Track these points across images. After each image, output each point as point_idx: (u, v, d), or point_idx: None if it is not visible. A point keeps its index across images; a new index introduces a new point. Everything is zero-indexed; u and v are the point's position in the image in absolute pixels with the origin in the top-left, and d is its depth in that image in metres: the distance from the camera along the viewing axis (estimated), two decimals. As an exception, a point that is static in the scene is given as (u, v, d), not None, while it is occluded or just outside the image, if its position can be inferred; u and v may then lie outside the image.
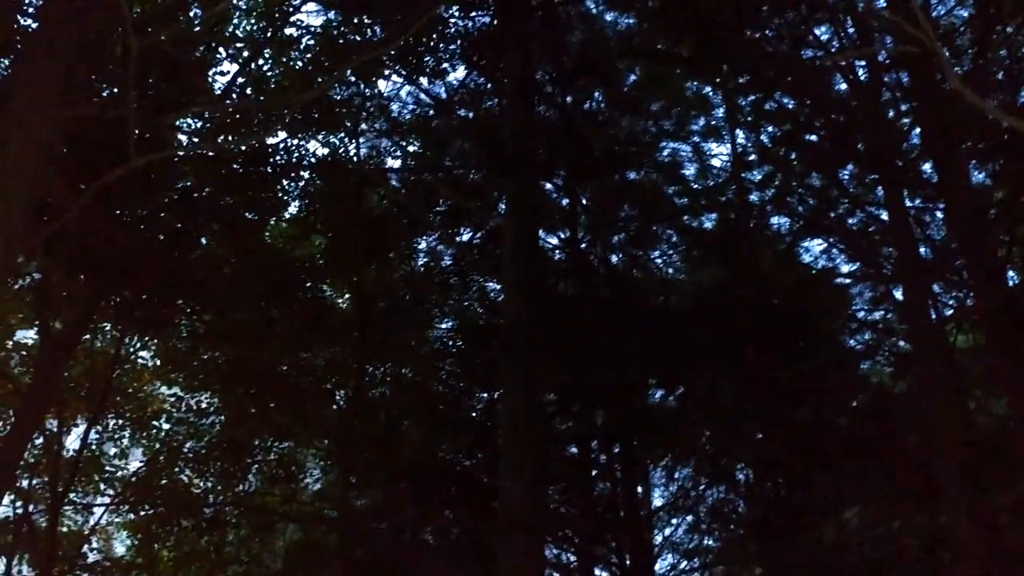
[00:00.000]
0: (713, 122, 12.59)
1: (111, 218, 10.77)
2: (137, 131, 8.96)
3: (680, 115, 12.73)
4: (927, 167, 10.56)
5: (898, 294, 11.11)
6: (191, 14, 10.71)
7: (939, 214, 10.77)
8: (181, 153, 11.18)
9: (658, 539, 13.05)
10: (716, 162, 12.74)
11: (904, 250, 9.88)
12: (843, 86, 10.75)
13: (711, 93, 12.49)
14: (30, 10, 9.19)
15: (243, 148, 11.77)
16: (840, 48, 10.39)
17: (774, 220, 12.21)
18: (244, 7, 11.35)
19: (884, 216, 10.64)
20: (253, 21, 11.40)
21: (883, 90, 10.48)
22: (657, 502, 13.44)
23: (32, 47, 6.43)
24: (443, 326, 13.53)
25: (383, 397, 13.23)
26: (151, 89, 10.20)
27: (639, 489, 12.95)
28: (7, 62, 9.48)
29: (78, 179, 10.19)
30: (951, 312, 10.94)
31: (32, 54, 6.37)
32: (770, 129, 11.56)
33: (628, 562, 12.30)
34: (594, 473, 12.74)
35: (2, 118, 6.11)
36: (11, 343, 13.14)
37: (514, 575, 8.94)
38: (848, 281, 11.86)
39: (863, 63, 10.46)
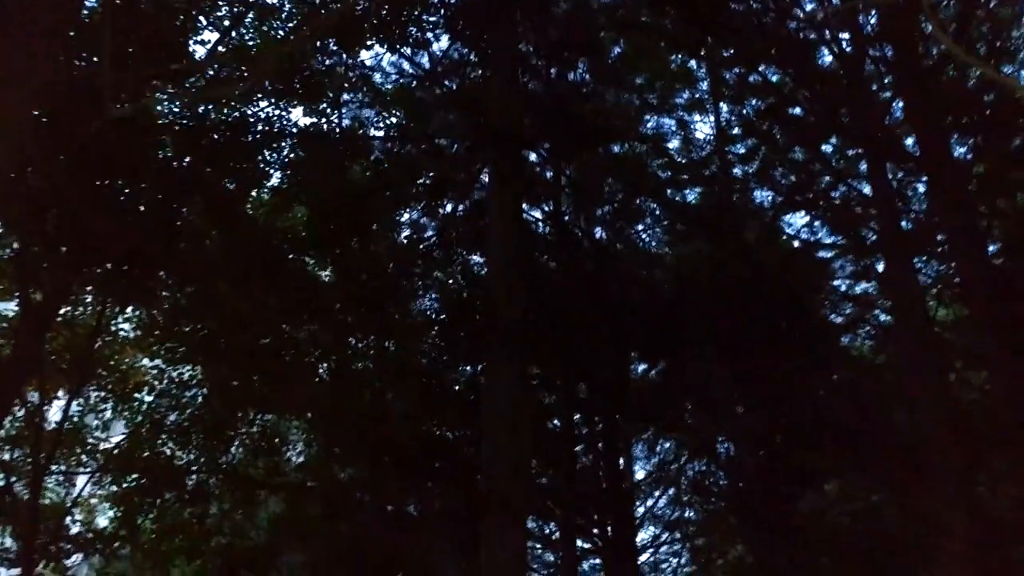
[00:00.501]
0: (697, 95, 12.56)
1: (91, 189, 10.65)
2: (115, 99, 8.86)
3: (664, 88, 12.68)
4: (910, 140, 10.59)
5: (880, 267, 11.16)
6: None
7: (921, 187, 10.81)
8: (161, 122, 11.08)
9: (640, 511, 13.17)
10: (700, 135, 12.72)
11: (886, 223, 9.91)
12: (827, 59, 10.73)
13: (695, 66, 12.45)
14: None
15: (224, 118, 11.64)
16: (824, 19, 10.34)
17: (757, 194, 12.23)
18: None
19: (867, 189, 10.65)
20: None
21: (867, 63, 10.46)
22: (639, 475, 13.54)
23: (11, 24, 6.28)
24: (427, 299, 13.48)
25: (367, 370, 13.19)
26: (130, 57, 10.06)
27: (621, 461, 13.02)
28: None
29: (57, 149, 10.07)
30: (933, 285, 11.00)
31: (13, 32, 6.23)
32: (754, 102, 11.54)
33: (610, 534, 12.40)
34: (576, 446, 12.79)
35: None
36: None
37: (505, 566, 9.03)
38: (831, 254, 11.90)
39: (847, 36, 10.44)
